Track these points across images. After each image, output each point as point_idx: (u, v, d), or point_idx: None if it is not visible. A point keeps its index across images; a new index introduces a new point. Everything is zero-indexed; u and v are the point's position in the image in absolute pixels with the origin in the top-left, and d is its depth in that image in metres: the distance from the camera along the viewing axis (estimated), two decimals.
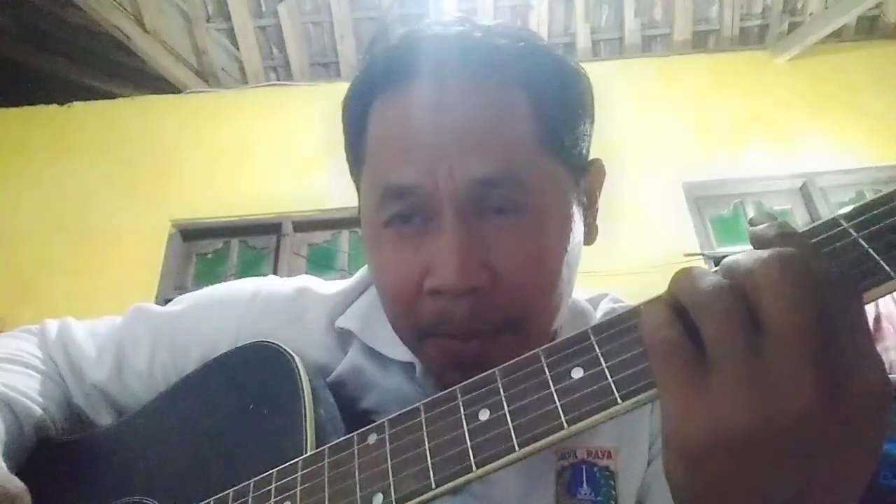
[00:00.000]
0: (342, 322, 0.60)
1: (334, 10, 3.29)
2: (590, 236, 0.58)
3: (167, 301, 0.72)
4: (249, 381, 0.56)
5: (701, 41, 3.47)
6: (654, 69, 3.31)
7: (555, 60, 0.54)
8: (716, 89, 3.22)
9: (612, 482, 0.55)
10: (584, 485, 0.55)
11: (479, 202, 0.47)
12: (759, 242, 0.32)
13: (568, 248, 0.51)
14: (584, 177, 0.55)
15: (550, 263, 0.50)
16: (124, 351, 0.65)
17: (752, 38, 3.47)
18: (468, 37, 0.51)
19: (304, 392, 0.51)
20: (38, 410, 0.61)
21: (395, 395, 0.57)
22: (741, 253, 0.31)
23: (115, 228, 2.93)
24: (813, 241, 0.33)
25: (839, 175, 2.95)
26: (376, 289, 0.55)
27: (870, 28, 3.41)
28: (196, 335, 0.64)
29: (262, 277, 0.69)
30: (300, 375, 0.53)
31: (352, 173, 0.58)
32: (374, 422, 0.57)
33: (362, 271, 0.65)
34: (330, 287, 0.66)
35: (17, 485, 0.49)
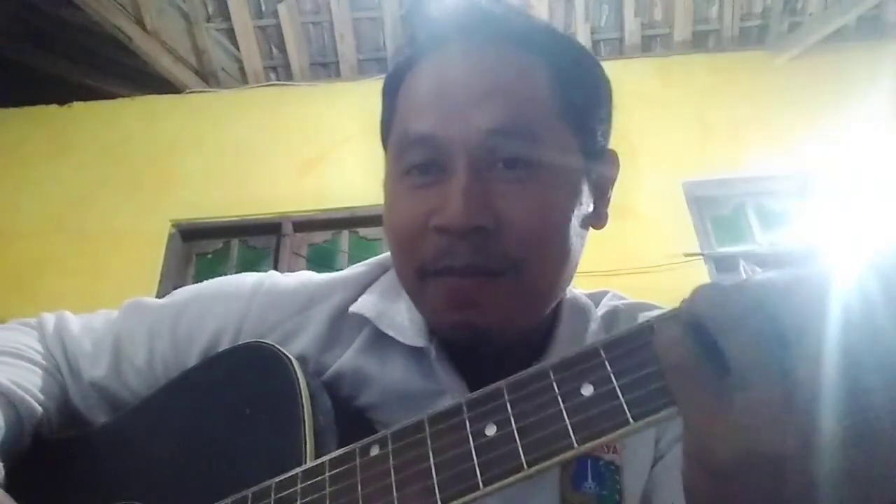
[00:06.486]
0: (356, 308, 0.60)
1: (334, 10, 3.28)
2: (600, 221, 0.60)
3: None
4: (246, 384, 0.55)
5: (701, 41, 3.47)
6: (654, 69, 3.30)
7: (576, 44, 0.59)
8: (716, 89, 3.21)
9: (618, 476, 0.55)
10: (589, 478, 0.55)
11: (491, 153, 0.50)
12: (794, 262, 0.32)
13: (574, 213, 0.53)
14: (598, 162, 0.57)
15: (554, 216, 0.52)
16: (122, 346, 0.64)
17: (752, 38, 3.46)
18: (501, 8, 0.56)
19: (302, 398, 0.51)
20: (39, 409, 0.60)
21: (396, 389, 0.57)
22: (774, 272, 0.31)
23: (115, 228, 2.92)
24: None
25: (839, 175, 2.94)
26: (386, 235, 0.57)
27: (870, 28, 3.40)
28: (199, 325, 0.63)
29: (263, 272, 0.68)
30: (298, 380, 0.52)
31: (383, 144, 0.60)
32: (371, 419, 0.57)
33: (374, 259, 0.66)
34: (336, 275, 0.66)
35: None
